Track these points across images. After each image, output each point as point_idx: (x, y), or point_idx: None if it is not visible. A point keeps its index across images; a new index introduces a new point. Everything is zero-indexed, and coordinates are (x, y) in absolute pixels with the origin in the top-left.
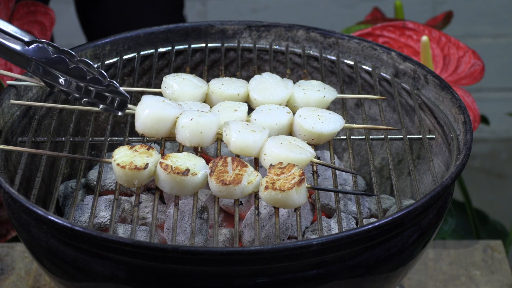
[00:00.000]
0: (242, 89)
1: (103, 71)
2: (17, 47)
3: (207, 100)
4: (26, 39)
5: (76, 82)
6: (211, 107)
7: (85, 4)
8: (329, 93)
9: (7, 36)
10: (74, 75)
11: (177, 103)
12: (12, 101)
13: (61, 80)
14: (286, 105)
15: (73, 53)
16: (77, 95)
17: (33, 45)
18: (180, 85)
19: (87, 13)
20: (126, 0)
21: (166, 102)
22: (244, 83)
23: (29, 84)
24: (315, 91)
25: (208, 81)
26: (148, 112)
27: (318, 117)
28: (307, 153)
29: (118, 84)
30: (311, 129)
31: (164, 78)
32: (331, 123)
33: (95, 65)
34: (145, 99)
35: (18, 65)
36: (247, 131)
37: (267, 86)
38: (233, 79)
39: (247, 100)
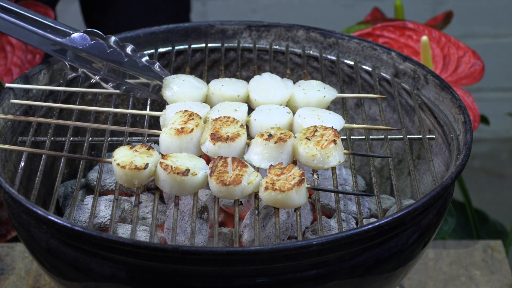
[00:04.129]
0: (242, 90)
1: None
2: (55, 37)
3: (207, 100)
4: (71, 31)
5: (113, 67)
6: (211, 107)
7: (91, 5)
8: (329, 93)
9: (48, 30)
10: (111, 59)
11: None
12: (13, 101)
13: (99, 65)
14: (286, 105)
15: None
16: (114, 81)
17: (72, 35)
18: (180, 87)
19: (94, 14)
20: (133, 4)
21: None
22: (244, 83)
23: (28, 87)
24: (315, 91)
25: (208, 81)
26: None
27: (317, 117)
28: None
29: (158, 64)
30: None
31: (164, 80)
32: (331, 123)
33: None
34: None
35: (57, 56)
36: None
37: (267, 86)
38: (233, 79)
39: (247, 101)
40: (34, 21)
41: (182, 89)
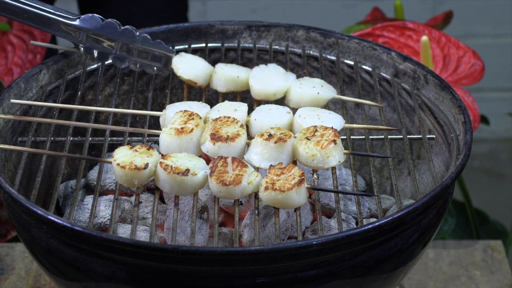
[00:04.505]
0: (243, 74)
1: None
2: (65, 20)
3: (210, 81)
4: (73, 16)
5: (126, 45)
6: (211, 106)
7: (89, 4)
8: (325, 92)
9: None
10: (124, 37)
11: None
12: (13, 100)
13: (111, 44)
14: (283, 98)
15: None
16: (129, 57)
17: (82, 16)
18: (191, 59)
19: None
20: (130, 2)
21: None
22: (247, 70)
23: (57, 46)
24: (310, 87)
25: None
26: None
27: (317, 117)
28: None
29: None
30: None
31: (180, 53)
32: (331, 123)
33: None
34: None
35: (67, 38)
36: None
37: (268, 76)
38: (240, 66)
39: (246, 86)
40: (42, 6)
41: (192, 60)
